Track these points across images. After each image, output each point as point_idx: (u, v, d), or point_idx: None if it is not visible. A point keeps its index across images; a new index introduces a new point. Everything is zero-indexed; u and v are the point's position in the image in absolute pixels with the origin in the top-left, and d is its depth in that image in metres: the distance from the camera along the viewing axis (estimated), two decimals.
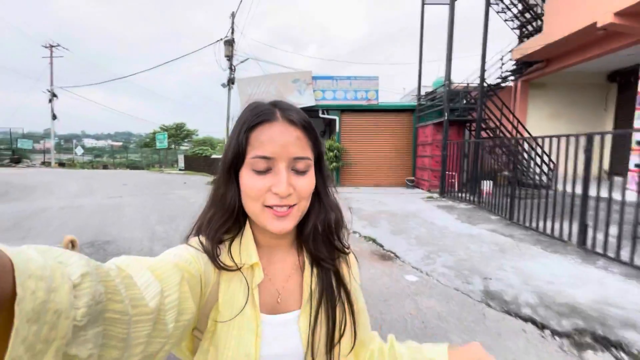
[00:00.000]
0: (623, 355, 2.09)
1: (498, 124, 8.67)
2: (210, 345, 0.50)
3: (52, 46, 23.47)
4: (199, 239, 0.54)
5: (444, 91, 8.13)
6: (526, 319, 2.52)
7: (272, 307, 0.56)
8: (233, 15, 13.08)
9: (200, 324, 0.51)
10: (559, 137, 4.50)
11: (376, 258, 4.08)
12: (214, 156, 17.81)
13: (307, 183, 0.54)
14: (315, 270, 0.59)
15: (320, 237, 0.60)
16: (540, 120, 10.03)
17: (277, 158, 0.51)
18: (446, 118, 7.91)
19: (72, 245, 2.42)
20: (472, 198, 7.63)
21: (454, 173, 8.60)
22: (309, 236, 0.59)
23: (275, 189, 0.50)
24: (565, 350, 2.17)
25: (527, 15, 8.72)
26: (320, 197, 0.60)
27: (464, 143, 8.38)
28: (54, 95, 23.50)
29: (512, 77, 9.63)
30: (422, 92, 10.91)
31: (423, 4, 9.75)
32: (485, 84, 8.32)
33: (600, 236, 3.84)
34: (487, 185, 7.59)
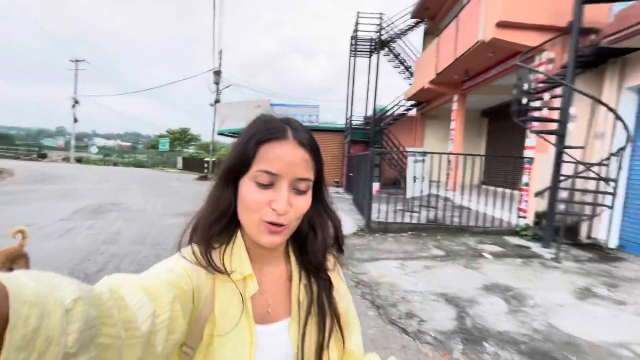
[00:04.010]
0: None
1: (392, 144, 12.35)
2: (205, 359, 0.50)
3: (77, 61, 27.81)
4: (192, 247, 0.54)
5: (346, 124, 11.92)
6: None
7: (263, 317, 0.56)
8: (220, 52, 17.18)
9: (192, 339, 0.50)
10: (407, 151, 8.13)
11: None
12: (206, 159, 21.63)
13: (304, 203, 0.55)
14: (303, 281, 0.61)
15: (314, 250, 0.61)
16: (435, 143, 13.64)
17: (282, 176, 0.52)
18: (348, 140, 11.65)
19: (22, 235, 2.30)
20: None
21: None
22: (320, 250, 0.61)
23: (275, 205, 0.51)
24: None
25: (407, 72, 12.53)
26: (325, 212, 0.62)
27: (355, 156, 12.08)
28: (76, 102, 27.72)
29: (412, 110, 13.33)
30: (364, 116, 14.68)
31: (350, 56, 13.54)
32: (391, 116, 12.02)
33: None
34: (375, 185, 11.26)
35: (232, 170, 0.54)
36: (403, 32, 12.04)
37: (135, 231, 5.60)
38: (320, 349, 0.58)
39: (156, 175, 20.12)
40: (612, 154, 4.50)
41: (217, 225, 0.55)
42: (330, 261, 0.64)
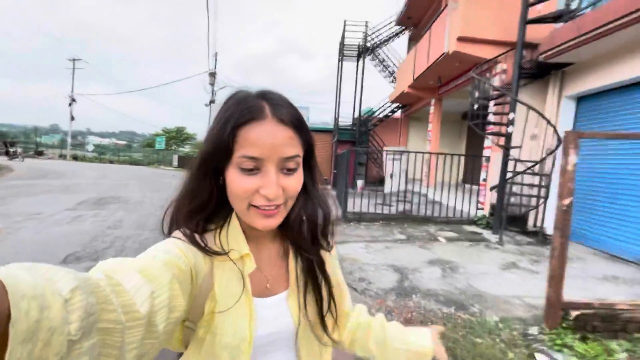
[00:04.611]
0: None
1: (377, 144, 13.09)
2: (207, 334, 0.52)
3: (75, 60, 28.23)
4: (182, 231, 0.54)
5: (334, 125, 12.66)
6: None
7: (262, 291, 0.58)
8: (216, 54, 17.88)
9: (193, 315, 0.51)
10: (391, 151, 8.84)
11: None
12: None
13: (296, 182, 0.54)
14: (299, 257, 0.62)
15: (303, 230, 0.60)
16: (418, 143, 14.40)
17: (266, 159, 0.50)
18: (335, 139, 12.39)
19: None
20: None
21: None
22: (292, 227, 0.59)
23: (264, 191, 0.50)
24: None
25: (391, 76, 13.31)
26: (307, 191, 0.60)
27: (341, 154, 12.81)
28: (73, 100, 28.13)
29: (396, 111, 14.08)
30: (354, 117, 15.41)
31: (338, 61, 14.27)
32: (376, 117, 12.75)
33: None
34: (361, 182, 12.00)
35: (211, 159, 0.52)
36: (388, 39, 12.78)
37: (135, 219, 6.26)
38: (321, 317, 0.61)
39: (152, 173, 20.67)
40: (548, 154, 5.26)
41: (199, 215, 0.55)
42: (324, 242, 0.63)
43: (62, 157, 29.29)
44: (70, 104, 28.09)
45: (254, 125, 0.50)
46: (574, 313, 2.36)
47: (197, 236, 0.53)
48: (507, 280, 3.62)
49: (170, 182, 14.71)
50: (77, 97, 29.15)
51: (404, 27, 12.81)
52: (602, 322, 2.36)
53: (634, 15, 3.65)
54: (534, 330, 2.43)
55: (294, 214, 0.59)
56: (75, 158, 29.30)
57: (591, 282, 3.65)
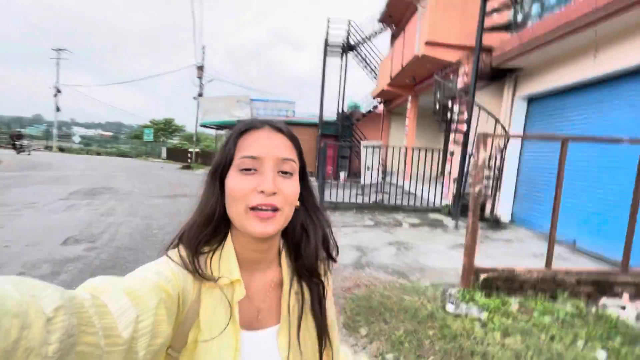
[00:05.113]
0: None
1: (360, 138, 13.69)
2: None
3: (59, 50, 27.86)
4: (178, 251, 0.53)
5: (319, 120, 13.25)
6: None
7: (251, 323, 0.56)
8: (203, 48, 18.04)
9: (176, 343, 0.49)
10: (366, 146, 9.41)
11: None
12: (190, 149, 22.50)
13: (293, 186, 0.55)
14: (294, 288, 0.60)
15: (317, 254, 0.61)
16: (400, 137, 15.05)
17: (264, 158, 0.53)
18: (319, 134, 12.97)
19: None
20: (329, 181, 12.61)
21: (329, 167, 13.59)
22: (313, 254, 0.60)
23: (261, 187, 0.51)
24: None
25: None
26: (314, 213, 0.62)
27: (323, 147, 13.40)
28: (58, 91, 27.86)
29: (379, 106, 14.67)
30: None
31: (324, 56, 14.73)
32: (359, 112, 13.33)
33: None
34: (343, 174, 12.61)
35: (217, 168, 0.55)
36: (370, 37, 13.29)
37: (127, 208, 6.73)
38: (320, 355, 0.60)
39: (141, 165, 20.90)
40: (502, 149, 5.92)
41: (205, 229, 0.55)
42: (321, 267, 0.64)
43: (48, 148, 29.07)
44: (55, 95, 27.81)
45: (252, 132, 0.55)
46: (482, 276, 3.01)
47: (190, 257, 0.53)
48: (450, 257, 4.28)
49: (159, 173, 15.07)
50: (62, 87, 28.85)
51: (386, 25, 13.32)
52: (504, 283, 3.01)
53: (561, 32, 4.27)
54: (453, 290, 3.07)
55: (297, 237, 0.61)
56: (61, 150, 29.13)
57: (520, 257, 4.34)
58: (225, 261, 0.55)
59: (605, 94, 4.63)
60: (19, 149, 20.14)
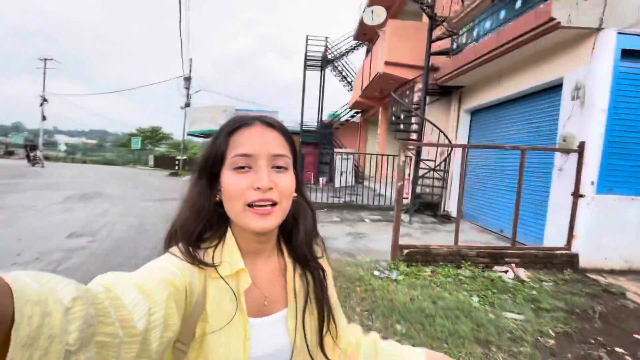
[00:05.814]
0: None
1: (338, 146, 14.70)
2: (198, 356, 0.51)
3: (46, 59, 28.14)
4: (179, 247, 0.54)
5: (300, 129, 14.25)
6: None
7: (259, 310, 0.57)
8: (191, 60, 18.90)
9: (184, 336, 0.50)
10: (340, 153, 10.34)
11: None
12: (177, 157, 23.07)
13: (288, 181, 0.56)
14: (298, 272, 0.63)
15: (309, 241, 0.63)
16: (374, 145, 16.15)
17: (257, 155, 0.53)
18: (300, 142, 13.96)
19: None
20: (309, 185, 13.52)
21: (310, 172, 14.53)
22: (302, 242, 0.62)
23: (257, 184, 0.52)
24: None
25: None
26: (305, 201, 0.64)
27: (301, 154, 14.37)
28: (45, 100, 28.04)
29: (357, 116, 15.74)
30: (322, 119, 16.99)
31: (304, 70, 15.79)
32: (337, 121, 14.36)
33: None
34: (323, 180, 13.53)
35: (205, 165, 0.56)
36: (346, 52, 14.41)
37: (120, 210, 7.46)
38: (320, 337, 0.61)
39: (129, 172, 21.37)
40: (447, 156, 6.96)
41: (196, 224, 0.56)
42: (318, 250, 0.66)
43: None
44: (41, 104, 27.96)
45: (244, 129, 0.55)
46: (405, 251, 3.95)
47: (190, 249, 0.53)
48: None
49: (147, 180, 15.69)
50: (48, 96, 29.02)
51: (360, 42, 14.46)
52: (422, 256, 3.95)
53: (480, 60, 5.34)
54: (383, 263, 3.99)
55: (300, 228, 0.63)
56: (47, 158, 29.14)
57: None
58: (227, 253, 0.56)
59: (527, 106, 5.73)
60: (33, 161, 19.09)
